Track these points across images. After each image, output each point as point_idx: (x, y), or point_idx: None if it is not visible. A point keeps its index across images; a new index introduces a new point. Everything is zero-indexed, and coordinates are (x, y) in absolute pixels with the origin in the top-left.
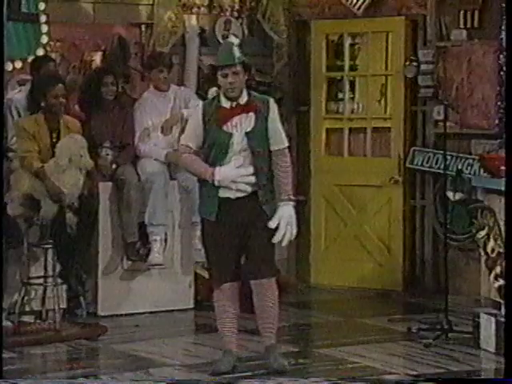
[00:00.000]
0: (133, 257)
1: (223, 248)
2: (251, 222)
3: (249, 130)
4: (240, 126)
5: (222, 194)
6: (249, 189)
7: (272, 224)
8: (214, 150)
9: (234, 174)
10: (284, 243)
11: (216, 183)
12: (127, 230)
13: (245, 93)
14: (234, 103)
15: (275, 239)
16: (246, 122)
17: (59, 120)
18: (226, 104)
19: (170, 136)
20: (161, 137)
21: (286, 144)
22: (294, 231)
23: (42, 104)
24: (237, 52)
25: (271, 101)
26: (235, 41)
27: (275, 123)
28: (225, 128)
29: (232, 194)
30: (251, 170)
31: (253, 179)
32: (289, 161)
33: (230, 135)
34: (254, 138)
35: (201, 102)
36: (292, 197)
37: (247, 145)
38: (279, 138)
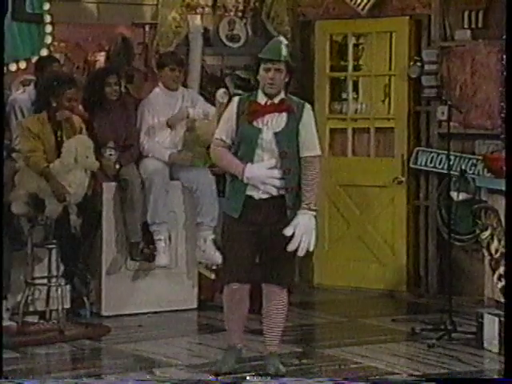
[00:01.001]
0: (137, 257)
1: (240, 246)
2: (271, 224)
3: (279, 130)
4: (271, 124)
5: (248, 192)
6: (274, 192)
7: (287, 232)
8: (242, 145)
9: (264, 175)
10: (300, 253)
11: (245, 180)
12: (131, 230)
13: (282, 93)
14: (269, 101)
15: (289, 248)
16: (277, 121)
17: (62, 120)
18: (261, 100)
19: (175, 135)
20: (166, 135)
21: (319, 152)
22: (312, 242)
23: (54, 104)
24: (284, 50)
25: (307, 106)
26: (284, 40)
27: (308, 129)
28: (255, 123)
29: (256, 194)
30: (281, 173)
31: (281, 183)
32: (318, 170)
33: (259, 131)
34: (283, 139)
35: (236, 97)
36: (313, 206)
37: (275, 145)
38: (311, 145)
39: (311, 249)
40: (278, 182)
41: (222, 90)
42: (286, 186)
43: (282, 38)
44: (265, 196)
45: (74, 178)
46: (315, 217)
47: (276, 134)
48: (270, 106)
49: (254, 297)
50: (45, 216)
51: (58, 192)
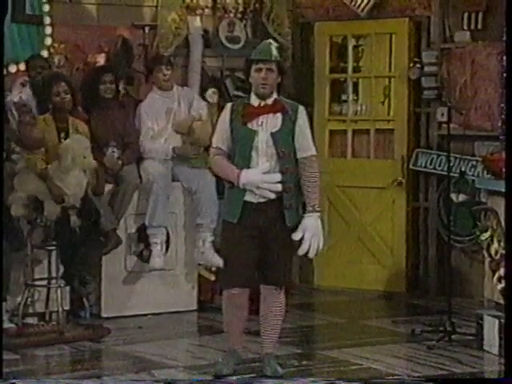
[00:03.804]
0: (108, 249)
1: (240, 251)
2: (270, 226)
3: (275, 130)
4: (266, 126)
5: (246, 197)
6: (272, 196)
7: (296, 236)
8: (238, 148)
9: (259, 179)
10: (311, 255)
11: (240, 186)
12: (106, 218)
13: (275, 95)
14: (263, 102)
15: (300, 252)
16: (273, 121)
17: (68, 120)
18: (254, 102)
19: (173, 137)
20: (164, 137)
21: (315, 152)
22: (321, 242)
23: (50, 106)
24: (275, 51)
25: (300, 107)
26: (274, 42)
27: (303, 129)
28: (250, 126)
29: (254, 199)
30: (277, 177)
31: (278, 186)
32: (317, 169)
33: (255, 133)
34: (280, 139)
35: (229, 103)
36: (317, 207)
37: (273, 145)
38: (307, 146)
39: (321, 248)
40: (274, 186)
41: (210, 90)
42: (283, 186)
43: (271, 40)
44: (263, 200)
45: (72, 178)
46: (320, 217)
47: (273, 134)
48: (263, 108)
49: (254, 298)
50: (44, 217)
51: (56, 193)
